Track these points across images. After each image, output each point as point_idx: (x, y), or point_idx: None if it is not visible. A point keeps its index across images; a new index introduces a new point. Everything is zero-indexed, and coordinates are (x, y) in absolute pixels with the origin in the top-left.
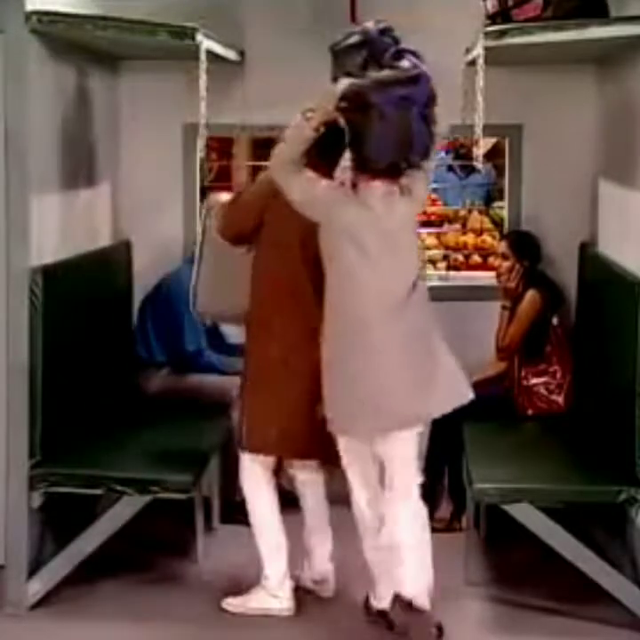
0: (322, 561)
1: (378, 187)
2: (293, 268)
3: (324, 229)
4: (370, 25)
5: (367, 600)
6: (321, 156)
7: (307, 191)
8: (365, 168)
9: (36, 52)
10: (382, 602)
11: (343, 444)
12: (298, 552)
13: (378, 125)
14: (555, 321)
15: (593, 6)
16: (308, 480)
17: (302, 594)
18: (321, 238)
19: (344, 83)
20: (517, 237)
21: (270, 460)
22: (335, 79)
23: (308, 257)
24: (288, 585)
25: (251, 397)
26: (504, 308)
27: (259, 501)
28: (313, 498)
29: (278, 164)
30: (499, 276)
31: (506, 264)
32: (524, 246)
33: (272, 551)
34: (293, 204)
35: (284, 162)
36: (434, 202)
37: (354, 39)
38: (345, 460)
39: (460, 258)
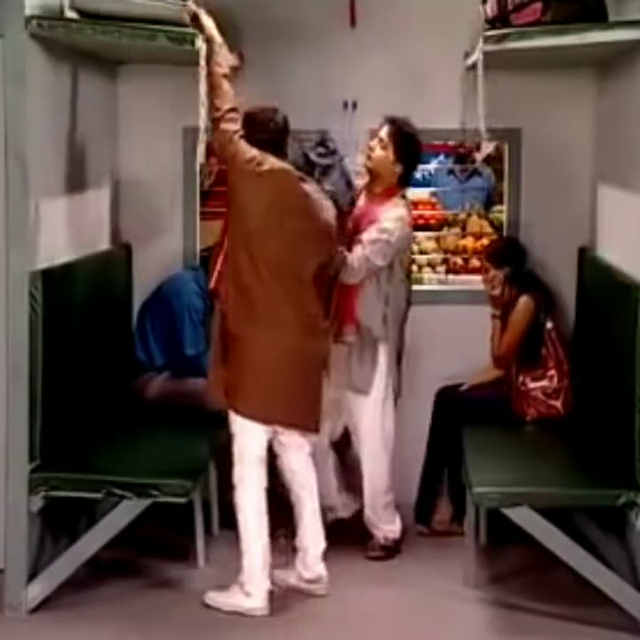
0: (316, 560)
1: None
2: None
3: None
4: None
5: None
6: None
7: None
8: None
9: (35, 56)
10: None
11: None
12: (291, 555)
13: None
14: (549, 325)
15: (592, 10)
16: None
17: (297, 594)
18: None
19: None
20: (492, 248)
21: (263, 435)
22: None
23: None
24: (264, 584)
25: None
26: (494, 316)
27: (249, 480)
28: (310, 499)
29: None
30: (485, 285)
31: (491, 273)
32: (499, 254)
33: (253, 541)
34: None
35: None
36: (433, 205)
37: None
38: None
39: (460, 261)
